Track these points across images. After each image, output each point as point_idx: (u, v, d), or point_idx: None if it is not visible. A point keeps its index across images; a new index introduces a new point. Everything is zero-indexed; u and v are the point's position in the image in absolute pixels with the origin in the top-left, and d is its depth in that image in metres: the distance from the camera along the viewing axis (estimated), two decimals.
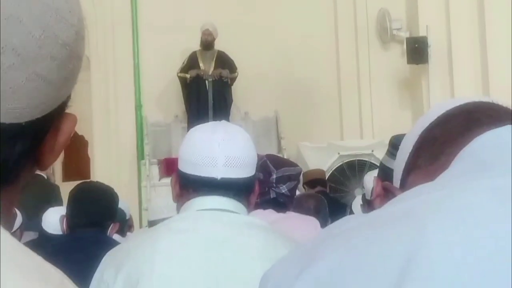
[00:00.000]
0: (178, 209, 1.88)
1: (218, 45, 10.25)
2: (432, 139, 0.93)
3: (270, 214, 2.69)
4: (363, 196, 3.75)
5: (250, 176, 1.85)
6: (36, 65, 0.67)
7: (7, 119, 0.66)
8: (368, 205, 2.98)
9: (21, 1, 0.66)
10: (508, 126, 0.83)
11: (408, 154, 0.97)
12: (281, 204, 2.78)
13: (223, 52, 10.17)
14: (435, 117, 0.95)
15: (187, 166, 1.83)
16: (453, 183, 0.74)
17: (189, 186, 1.83)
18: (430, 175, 0.85)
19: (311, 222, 2.91)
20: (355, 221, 0.73)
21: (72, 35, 0.70)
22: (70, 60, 0.70)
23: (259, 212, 2.63)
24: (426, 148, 0.94)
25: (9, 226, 0.69)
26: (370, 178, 3.04)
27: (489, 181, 0.71)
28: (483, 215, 0.66)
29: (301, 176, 2.86)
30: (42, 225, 4.32)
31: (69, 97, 0.73)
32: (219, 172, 1.79)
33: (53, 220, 4.08)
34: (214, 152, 1.79)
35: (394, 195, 0.97)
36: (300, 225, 2.73)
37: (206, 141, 1.81)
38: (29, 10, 0.66)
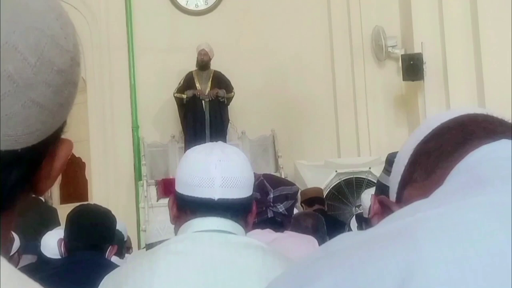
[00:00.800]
0: (176, 231, 1.88)
1: (214, 65, 10.28)
2: (427, 152, 0.93)
3: (268, 234, 2.69)
4: (357, 216, 3.75)
5: (247, 197, 1.85)
6: (31, 92, 0.67)
7: (3, 146, 0.66)
8: (366, 223, 2.97)
9: (16, 28, 0.66)
10: (503, 140, 0.83)
11: (403, 167, 0.96)
12: (278, 223, 2.78)
13: (219, 72, 10.19)
14: (430, 130, 0.94)
15: (184, 188, 1.84)
16: (448, 200, 0.74)
17: (186, 208, 1.84)
18: (426, 189, 0.85)
19: (309, 241, 2.90)
20: (351, 239, 0.73)
21: (67, 62, 0.70)
22: (66, 87, 0.70)
23: (257, 232, 2.63)
24: (421, 162, 0.93)
25: (6, 251, 0.69)
26: (367, 196, 3.04)
27: (484, 197, 0.71)
28: (479, 232, 0.66)
29: (298, 195, 2.86)
30: (41, 248, 4.31)
31: (65, 122, 0.73)
32: (216, 193, 1.79)
33: (52, 243, 4.07)
34: (211, 173, 1.80)
35: (390, 209, 0.97)
36: (298, 244, 2.73)
37: (203, 162, 1.81)
38: (25, 37, 0.67)
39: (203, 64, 10.15)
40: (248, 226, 1.89)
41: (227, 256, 1.74)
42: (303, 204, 7.87)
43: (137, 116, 10.72)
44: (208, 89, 10.07)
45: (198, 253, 1.74)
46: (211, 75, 10.17)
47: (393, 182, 0.99)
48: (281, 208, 2.76)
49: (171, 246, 1.78)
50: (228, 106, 10.28)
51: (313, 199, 7.78)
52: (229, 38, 10.62)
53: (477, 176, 0.77)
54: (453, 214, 0.69)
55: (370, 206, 2.62)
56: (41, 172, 0.72)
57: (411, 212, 0.73)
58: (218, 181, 1.79)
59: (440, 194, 0.78)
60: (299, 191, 2.92)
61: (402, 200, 0.95)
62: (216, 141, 2.01)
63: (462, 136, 0.89)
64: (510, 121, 0.93)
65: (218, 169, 1.80)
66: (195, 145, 1.94)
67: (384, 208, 1.02)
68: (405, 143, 0.98)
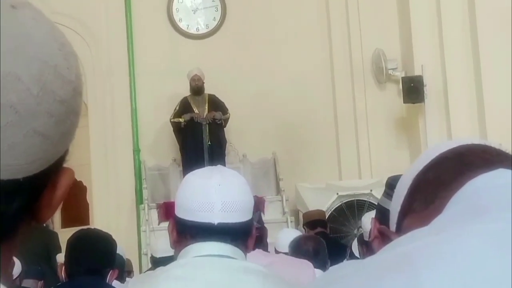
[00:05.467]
0: (176, 255, 1.88)
1: (215, 88, 10.29)
2: (426, 182, 0.94)
3: (263, 257, 2.69)
4: (360, 237, 3.73)
5: (247, 220, 1.85)
6: (34, 122, 0.67)
7: (5, 175, 0.67)
8: (367, 246, 2.97)
9: (19, 59, 0.67)
10: (500, 170, 0.84)
11: (403, 198, 0.97)
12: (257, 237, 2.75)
13: (214, 95, 10.22)
14: (429, 160, 0.96)
15: (183, 212, 1.84)
16: (447, 228, 0.75)
17: (186, 232, 1.84)
18: (426, 219, 0.86)
19: (304, 264, 2.89)
20: (351, 267, 0.74)
21: (69, 92, 0.71)
22: (68, 116, 0.71)
23: (252, 254, 2.63)
24: (420, 192, 0.94)
25: (6, 278, 0.69)
26: (368, 220, 3.03)
27: (482, 225, 0.72)
28: (477, 260, 0.66)
29: (259, 204, 2.83)
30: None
31: (66, 152, 0.74)
32: (216, 217, 1.79)
33: None
34: (211, 197, 1.80)
35: (390, 239, 0.97)
36: (294, 267, 2.72)
37: (202, 186, 1.82)
38: (28, 67, 0.67)
39: (198, 89, 10.17)
40: (248, 250, 1.89)
41: (227, 282, 1.73)
42: (305, 227, 7.87)
43: (138, 139, 10.73)
44: (206, 112, 10.09)
45: (198, 278, 1.74)
46: (207, 98, 10.19)
47: (393, 212, 1.00)
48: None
49: (171, 271, 1.78)
50: (225, 128, 10.30)
51: (315, 221, 7.78)
52: (230, 61, 10.66)
53: (475, 205, 0.78)
54: (451, 242, 0.69)
55: (370, 230, 2.62)
56: (42, 201, 0.72)
57: (410, 240, 0.73)
58: (218, 205, 1.79)
59: (439, 222, 0.79)
60: (254, 198, 2.86)
61: (402, 230, 0.96)
62: (216, 164, 2.02)
63: (460, 166, 0.90)
64: (507, 151, 0.94)
65: (217, 193, 1.80)
66: (193, 169, 1.95)
67: (384, 238, 1.02)
68: (405, 173, 1.00)
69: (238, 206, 1.81)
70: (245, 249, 1.87)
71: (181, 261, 1.82)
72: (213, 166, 1.96)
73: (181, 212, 1.85)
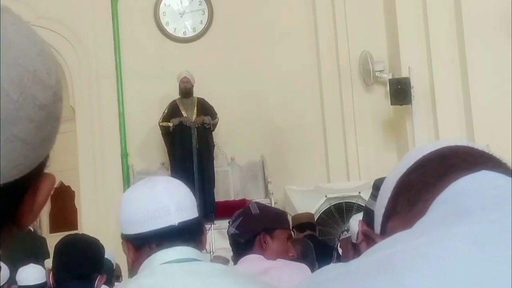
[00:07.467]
0: (135, 272, 1.88)
1: (203, 92, 10.30)
2: (409, 184, 0.93)
3: (260, 263, 2.69)
4: (343, 240, 3.75)
5: (197, 216, 1.91)
6: (14, 127, 0.67)
7: None
8: (355, 249, 2.97)
9: None
10: (483, 171, 0.84)
11: (387, 200, 0.97)
12: (242, 243, 2.78)
13: (203, 99, 10.23)
14: (412, 162, 0.95)
15: (139, 226, 1.86)
16: (430, 231, 0.75)
17: (151, 242, 1.85)
18: (409, 221, 0.86)
19: (302, 269, 2.89)
20: (334, 271, 0.74)
21: (50, 97, 0.71)
22: (48, 121, 0.71)
23: (250, 258, 2.65)
24: (404, 194, 0.94)
25: None
26: (355, 222, 3.04)
27: (465, 228, 0.72)
28: (461, 262, 0.67)
29: (250, 210, 2.84)
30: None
31: (47, 157, 0.73)
32: (174, 218, 1.84)
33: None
34: (163, 202, 1.85)
35: (374, 242, 0.97)
36: (291, 274, 2.72)
37: (151, 195, 1.87)
38: (7, 73, 0.67)
39: (187, 91, 10.19)
40: (202, 246, 1.93)
41: (198, 285, 1.74)
42: (294, 230, 7.86)
43: (126, 143, 10.72)
44: (194, 116, 10.10)
45: (171, 285, 1.74)
46: (195, 102, 10.20)
47: (378, 214, 0.99)
48: (231, 230, 2.80)
49: (142, 280, 1.78)
50: (213, 132, 10.30)
51: (304, 224, 7.77)
52: (217, 65, 10.66)
53: (458, 207, 0.78)
54: (434, 244, 0.69)
55: (358, 232, 2.62)
56: (23, 207, 0.71)
57: (393, 242, 0.73)
58: (172, 207, 1.85)
59: (421, 225, 0.79)
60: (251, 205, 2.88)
61: (386, 232, 0.95)
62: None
63: (443, 168, 0.90)
64: (490, 152, 0.94)
65: (167, 196, 1.86)
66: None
67: (368, 240, 1.02)
68: (389, 175, 0.99)
69: (188, 204, 1.89)
70: (201, 247, 1.92)
71: (149, 269, 1.82)
72: (146, 178, 2.04)
73: (136, 228, 1.87)
